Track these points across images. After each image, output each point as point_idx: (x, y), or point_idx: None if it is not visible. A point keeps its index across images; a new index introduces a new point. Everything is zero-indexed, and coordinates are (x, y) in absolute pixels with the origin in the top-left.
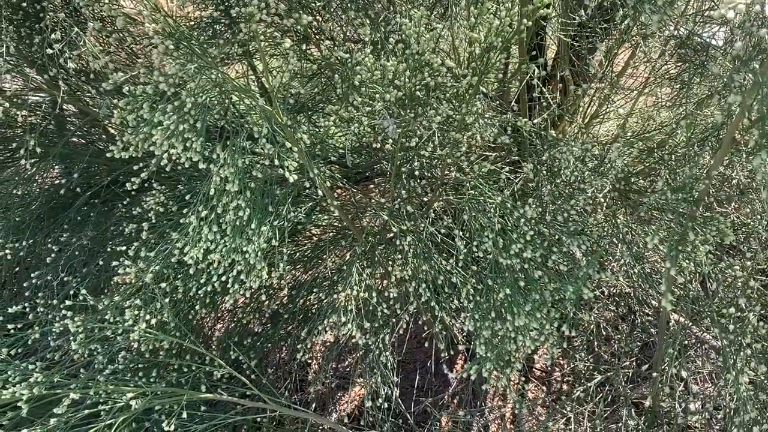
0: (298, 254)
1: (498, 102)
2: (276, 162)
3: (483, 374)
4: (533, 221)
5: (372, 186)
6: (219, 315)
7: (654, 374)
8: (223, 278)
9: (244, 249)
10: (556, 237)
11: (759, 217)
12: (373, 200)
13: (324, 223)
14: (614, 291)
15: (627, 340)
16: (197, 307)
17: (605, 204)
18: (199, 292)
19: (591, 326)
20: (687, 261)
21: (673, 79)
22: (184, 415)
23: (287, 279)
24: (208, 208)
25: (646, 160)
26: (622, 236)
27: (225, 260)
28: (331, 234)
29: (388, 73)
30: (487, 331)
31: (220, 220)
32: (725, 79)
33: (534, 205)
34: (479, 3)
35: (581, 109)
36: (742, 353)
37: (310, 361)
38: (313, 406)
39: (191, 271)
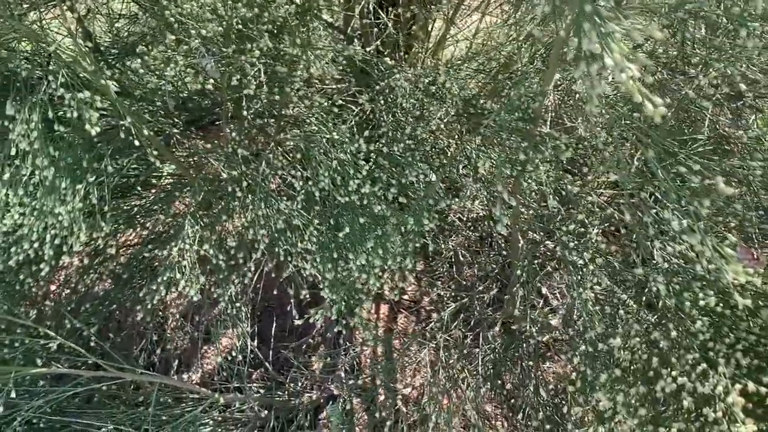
0: (137, 208)
1: (337, 30)
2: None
3: (333, 316)
4: (372, 154)
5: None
6: (54, 280)
7: (506, 296)
8: (36, 245)
9: (57, 212)
10: (397, 168)
11: (597, 131)
12: (200, 146)
13: (166, 173)
14: (472, 216)
15: (485, 263)
16: (21, 277)
17: (447, 130)
18: (18, 260)
19: (450, 253)
20: (529, 180)
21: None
22: (14, 395)
23: (131, 235)
24: (12, 169)
25: (489, 82)
26: (470, 160)
27: (38, 225)
28: (169, 184)
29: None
30: (330, 273)
31: (32, 181)
32: None
33: (372, 137)
34: None
35: (429, 35)
36: (585, 269)
37: (164, 319)
38: (175, 364)
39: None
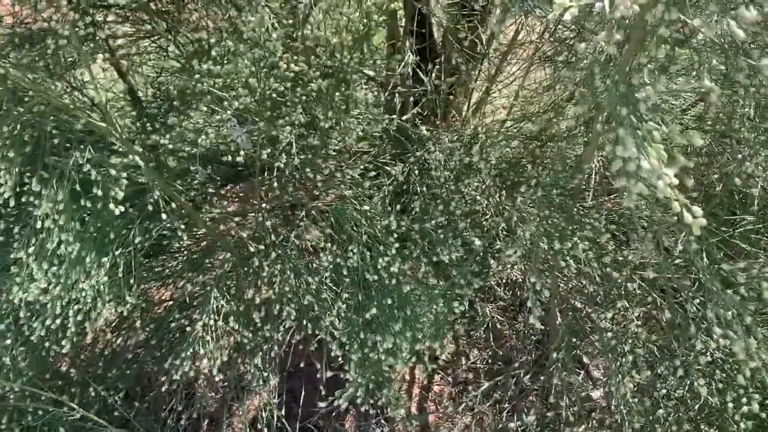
0: (167, 270)
1: (378, 85)
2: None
3: (358, 398)
4: (403, 229)
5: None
6: (82, 347)
7: (544, 373)
8: (58, 320)
9: (80, 287)
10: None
11: (637, 210)
12: (229, 210)
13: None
14: (510, 280)
15: (523, 332)
16: (47, 344)
17: (487, 201)
18: (40, 335)
19: (487, 318)
20: (567, 258)
21: (550, 60)
22: None
23: (160, 296)
24: (38, 243)
25: (530, 145)
26: (509, 229)
27: (62, 299)
28: (199, 249)
29: (239, 77)
30: (357, 354)
31: (58, 252)
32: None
33: (405, 211)
34: None
35: (468, 97)
36: (623, 359)
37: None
38: (205, 424)
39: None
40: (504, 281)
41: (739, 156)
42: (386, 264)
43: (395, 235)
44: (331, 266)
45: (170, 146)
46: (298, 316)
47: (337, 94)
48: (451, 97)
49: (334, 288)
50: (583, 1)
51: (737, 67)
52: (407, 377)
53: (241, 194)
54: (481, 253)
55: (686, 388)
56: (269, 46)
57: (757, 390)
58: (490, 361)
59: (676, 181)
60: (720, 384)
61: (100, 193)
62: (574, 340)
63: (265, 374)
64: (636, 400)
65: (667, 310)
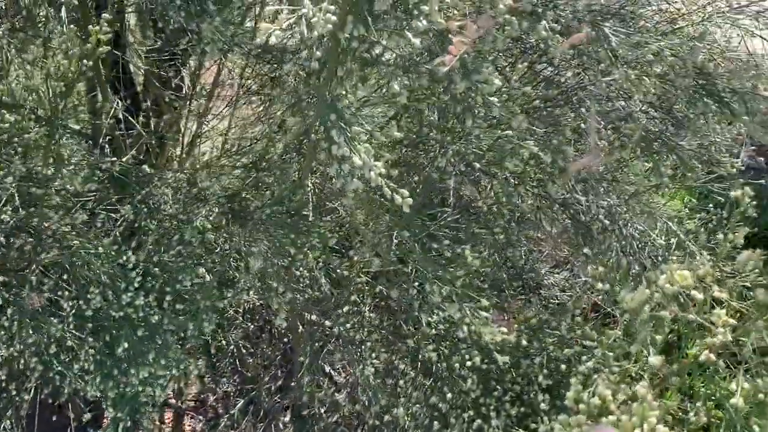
0: None
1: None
2: None
3: None
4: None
5: None
6: None
7: (292, 383)
8: None
9: None
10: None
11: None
12: None
13: None
14: (248, 307)
15: (268, 352)
16: None
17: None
18: None
19: (231, 347)
20: (301, 269)
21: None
22: None
23: None
24: None
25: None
26: (240, 254)
27: None
28: None
29: None
30: (113, 390)
31: None
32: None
33: (140, 247)
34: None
35: (182, 135)
36: (364, 346)
37: None
38: None
39: None
40: (243, 308)
41: (431, 155)
42: (130, 299)
43: (136, 271)
44: (73, 312)
45: None
46: (44, 366)
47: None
48: (167, 137)
49: (77, 334)
50: (284, 24)
51: (419, 75)
52: (157, 422)
53: None
54: (216, 283)
55: (419, 361)
56: None
57: (476, 346)
58: (239, 387)
59: (384, 171)
60: (446, 350)
61: None
62: (317, 344)
63: None
64: (379, 381)
65: (392, 292)
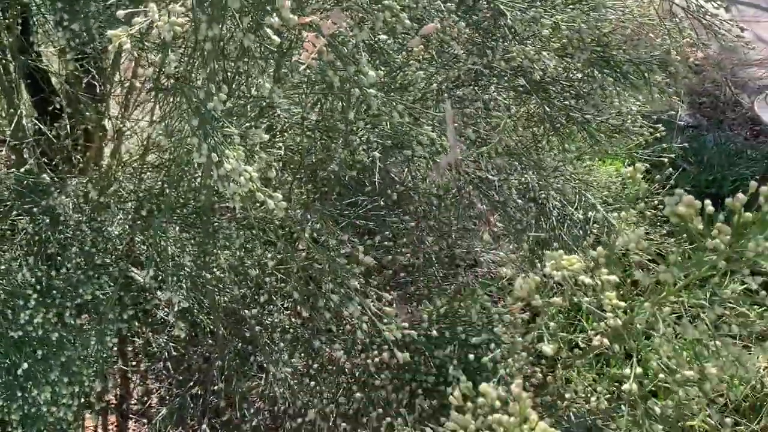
0: None
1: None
2: None
3: None
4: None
5: None
6: None
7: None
8: None
9: None
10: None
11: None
12: None
13: None
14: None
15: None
16: None
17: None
18: None
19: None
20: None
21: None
22: None
23: None
24: None
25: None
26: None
27: None
28: None
29: None
30: (17, 412)
31: None
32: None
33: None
34: None
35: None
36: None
37: None
38: None
39: None
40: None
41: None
42: (29, 317)
43: (38, 287)
44: None
45: None
46: None
47: None
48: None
49: None
50: (135, 27)
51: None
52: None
53: None
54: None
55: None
56: None
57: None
58: (174, 389)
59: (255, 175)
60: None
61: None
62: (241, 344)
63: None
64: (295, 381)
65: (294, 293)
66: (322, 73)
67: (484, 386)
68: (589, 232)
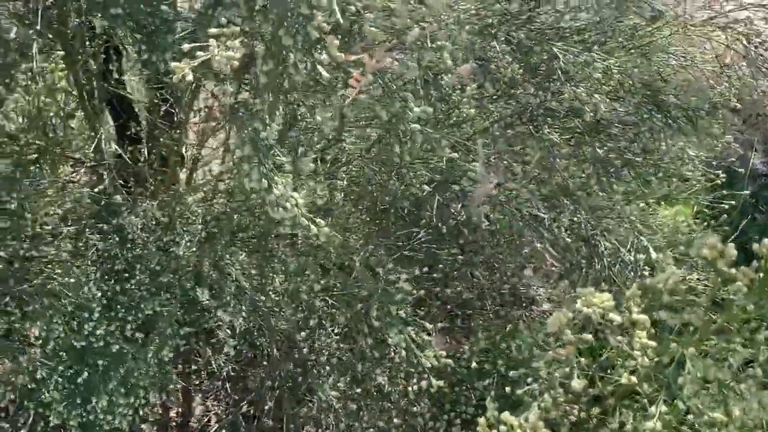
0: None
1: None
2: None
3: None
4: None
5: None
6: None
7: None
8: None
9: None
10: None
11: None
12: None
13: None
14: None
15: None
16: None
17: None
18: None
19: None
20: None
21: None
22: None
23: None
24: None
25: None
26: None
27: None
28: None
29: None
30: (75, 420)
31: None
32: None
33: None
34: None
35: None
36: (325, 368)
37: None
38: None
39: None
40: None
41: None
42: (92, 328)
43: (103, 300)
44: (40, 341)
45: None
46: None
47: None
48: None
49: (46, 363)
50: (199, 59)
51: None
52: None
53: None
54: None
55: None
56: None
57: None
58: (231, 409)
59: (302, 201)
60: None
61: None
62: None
63: None
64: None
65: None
66: (371, 108)
67: (505, 415)
68: (639, 273)
